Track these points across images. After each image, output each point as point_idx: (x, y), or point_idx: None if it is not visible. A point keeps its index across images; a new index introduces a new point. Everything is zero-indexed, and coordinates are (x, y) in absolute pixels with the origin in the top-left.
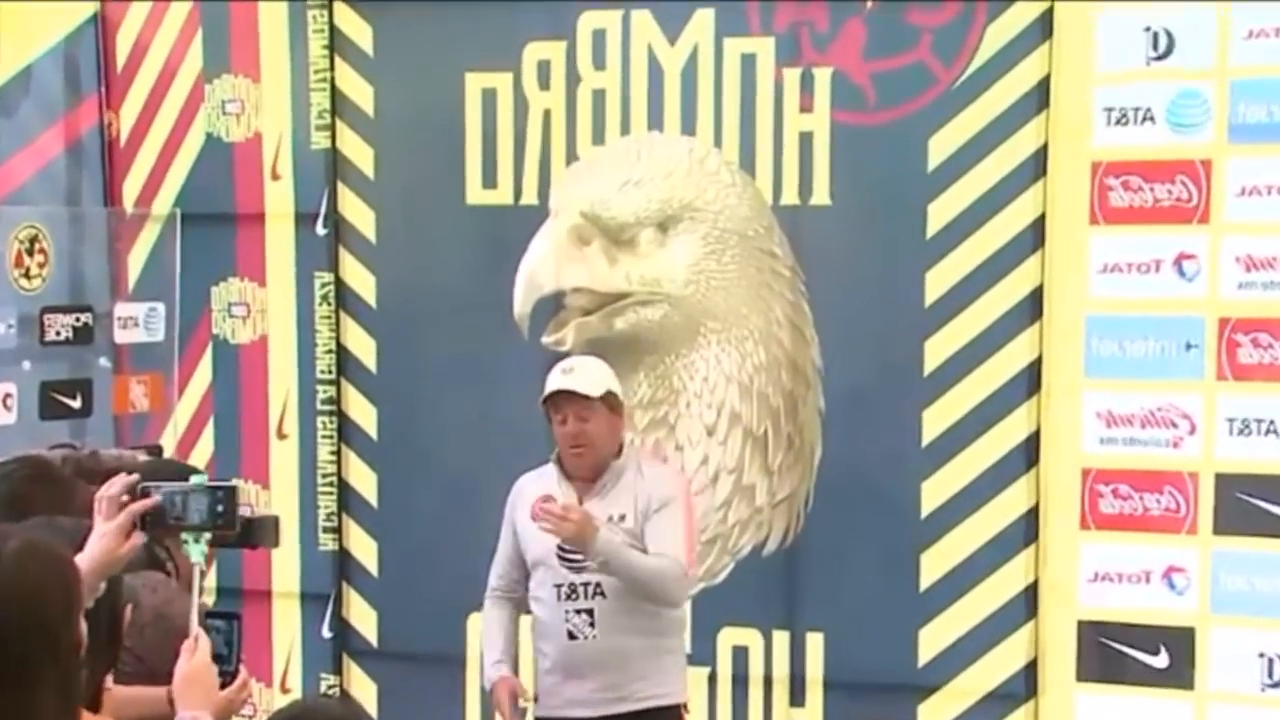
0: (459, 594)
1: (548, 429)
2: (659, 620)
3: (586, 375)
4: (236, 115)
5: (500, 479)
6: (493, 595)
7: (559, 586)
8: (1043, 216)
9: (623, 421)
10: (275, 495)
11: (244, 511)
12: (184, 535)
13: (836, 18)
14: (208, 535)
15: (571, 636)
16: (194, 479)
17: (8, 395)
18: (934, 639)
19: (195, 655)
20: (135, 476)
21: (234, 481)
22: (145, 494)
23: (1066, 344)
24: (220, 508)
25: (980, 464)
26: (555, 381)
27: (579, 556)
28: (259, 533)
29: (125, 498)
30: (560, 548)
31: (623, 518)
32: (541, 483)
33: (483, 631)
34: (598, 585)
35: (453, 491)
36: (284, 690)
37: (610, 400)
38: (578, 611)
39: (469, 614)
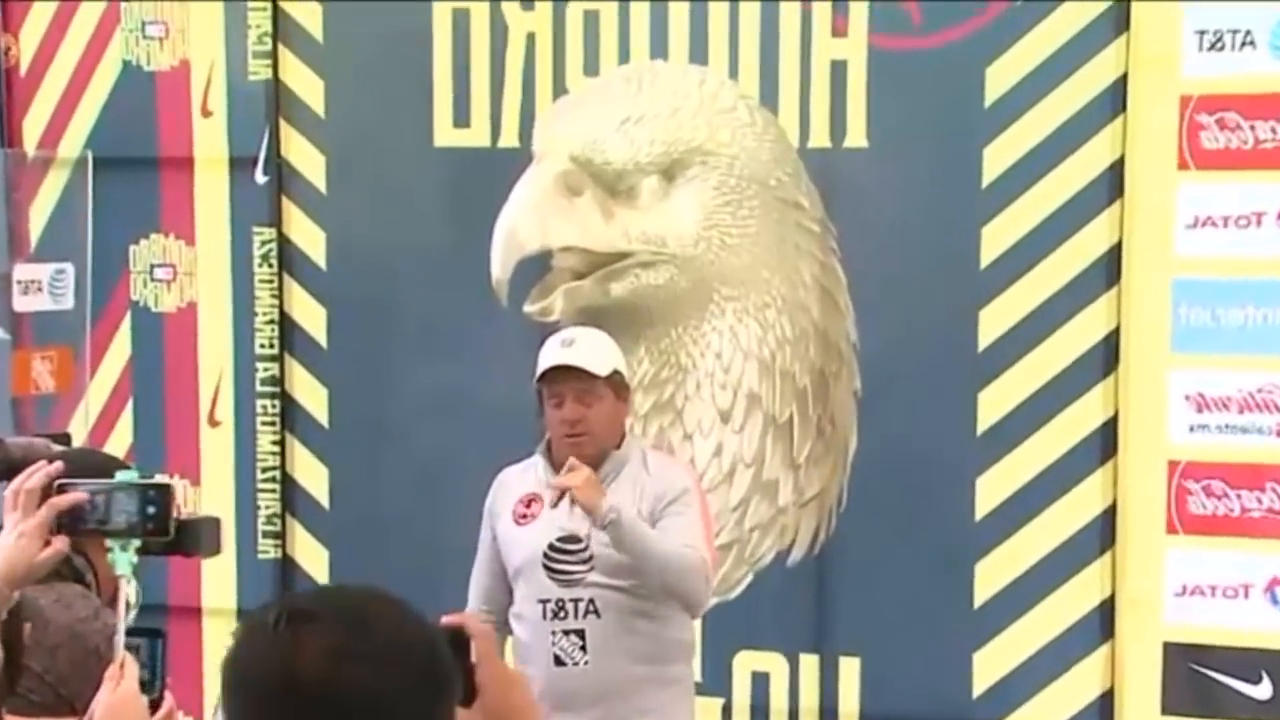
0: (425, 608)
1: (533, 415)
2: (663, 643)
3: (590, 349)
4: (159, 39)
5: (477, 474)
6: None
7: (544, 603)
8: (1121, 160)
9: (628, 408)
10: (207, 493)
11: (177, 514)
12: (108, 542)
13: None
14: (136, 542)
15: (559, 662)
16: (120, 475)
17: None
18: (991, 665)
19: (121, 684)
20: (59, 465)
21: (165, 478)
22: (63, 491)
23: (1149, 313)
24: (151, 509)
25: (1046, 456)
26: (553, 355)
27: (569, 565)
28: (196, 538)
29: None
30: (548, 554)
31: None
32: (527, 478)
33: None
34: (590, 602)
35: (420, 490)
36: None
37: (616, 382)
38: (566, 633)
39: None
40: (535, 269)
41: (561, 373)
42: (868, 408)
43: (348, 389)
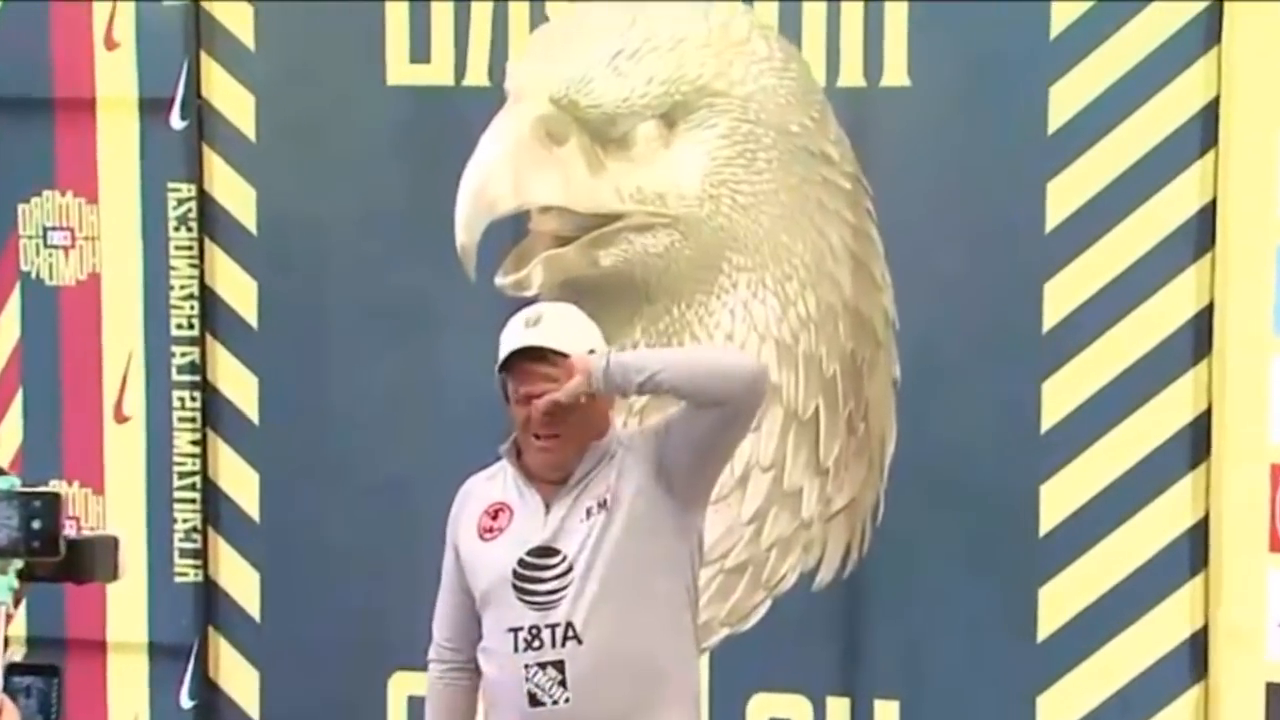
0: (377, 646)
1: (505, 408)
2: (659, 681)
3: (560, 329)
4: None
5: (440, 482)
6: (441, 665)
7: (515, 631)
8: (1215, 102)
9: (612, 400)
10: (113, 504)
11: (69, 530)
12: None
13: None
14: (18, 563)
15: (535, 702)
16: None
17: None
18: (1059, 711)
19: None
20: None
21: (54, 486)
22: None
23: (1248, 287)
24: (37, 524)
25: (1124, 459)
26: (515, 337)
27: (545, 585)
28: (90, 560)
29: None
30: (518, 572)
31: (603, 504)
32: (493, 486)
33: None
34: (569, 627)
35: (371, 501)
36: None
37: None
38: (542, 666)
39: (391, 674)
40: (509, 234)
41: (526, 359)
42: (909, 400)
43: (283, 378)
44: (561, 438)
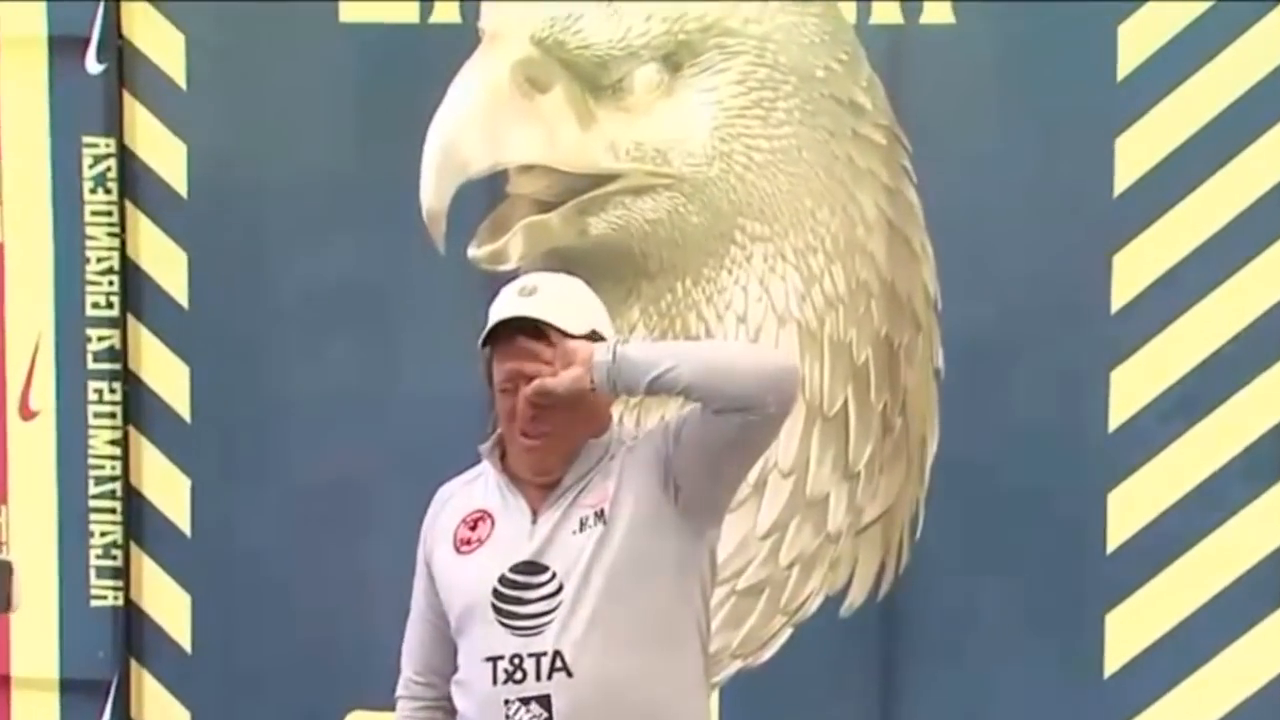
0: (328, 681)
1: (483, 404)
2: (663, 712)
3: (560, 302)
4: None
5: (404, 488)
6: (412, 703)
7: (494, 661)
8: None
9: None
10: (16, 515)
11: None
12: None
13: None
14: None
15: None
16: None
17: None
18: None
19: None
20: None
21: None
22: None
23: None
24: None
25: (1205, 463)
26: (506, 306)
27: (530, 606)
28: None
29: None
30: (499, 591)
31: (600, 514)
32: (473, 491)
33: None
34: (557, 656)
35: (318, 510)
36: None
37: None
38: (525, 701)
39: (346, 715)
40: (484, 199)
41: (517, 333)
42: (953, 393)
43: (217, 367)
44: (552, 435)
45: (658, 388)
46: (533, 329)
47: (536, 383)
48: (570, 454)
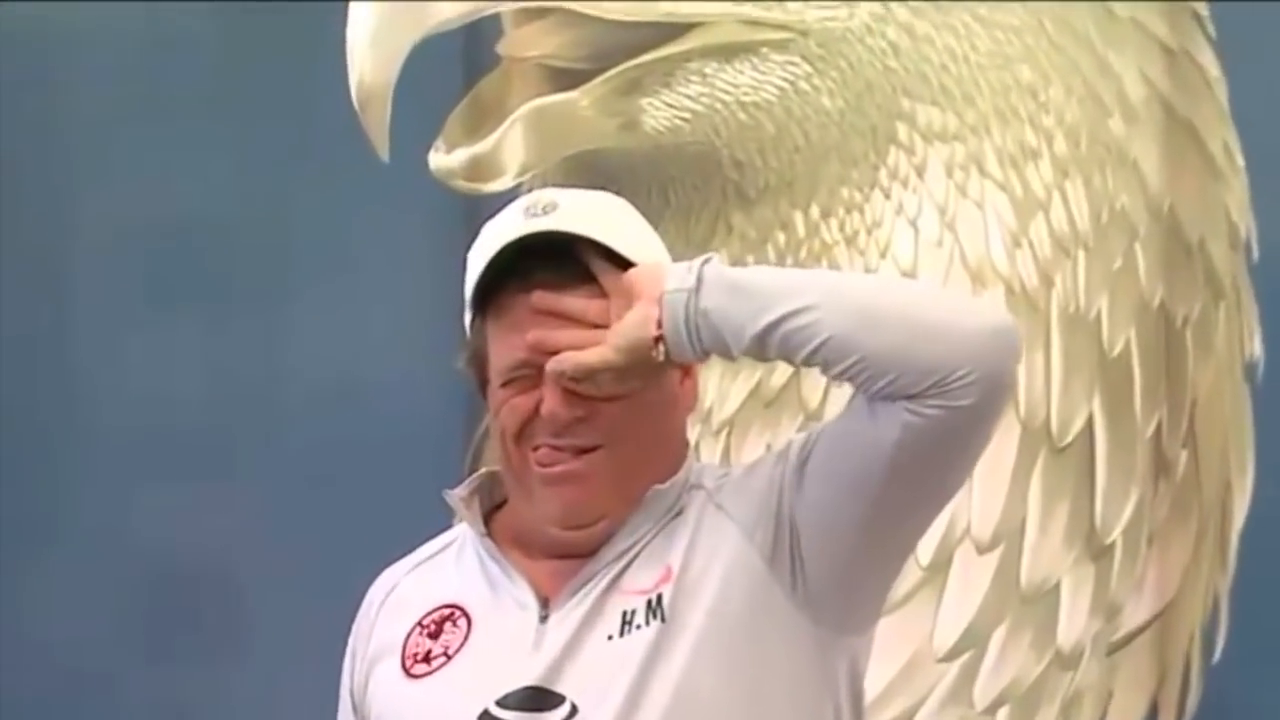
0: None
1: (458, 410)
2: None
3: (592, 217)
4: None
5: (279, 544)
6: None
7: None
8: None
9: (695, 383)
10: None
11: None
12: None
13: None
14: None
15: None
16: None
17: None
18: None
19: None
20: None
21: None
22: None
23: None
24: None
25: None
26: (509, 230)
27: None
28: None
29: None
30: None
31: (656, 606)
32: (433, 576)
33: None
34: None
35: (152, 569)
36: None
37: None
38: None
39: None
40: (455, 71)
41: (529, 287)
42: (1277, 404)
43: (14, 354)
44: (606, 449)
45: (777, 342)
46: (554, 275)
47: (569, 355)
48: (630, 492)
